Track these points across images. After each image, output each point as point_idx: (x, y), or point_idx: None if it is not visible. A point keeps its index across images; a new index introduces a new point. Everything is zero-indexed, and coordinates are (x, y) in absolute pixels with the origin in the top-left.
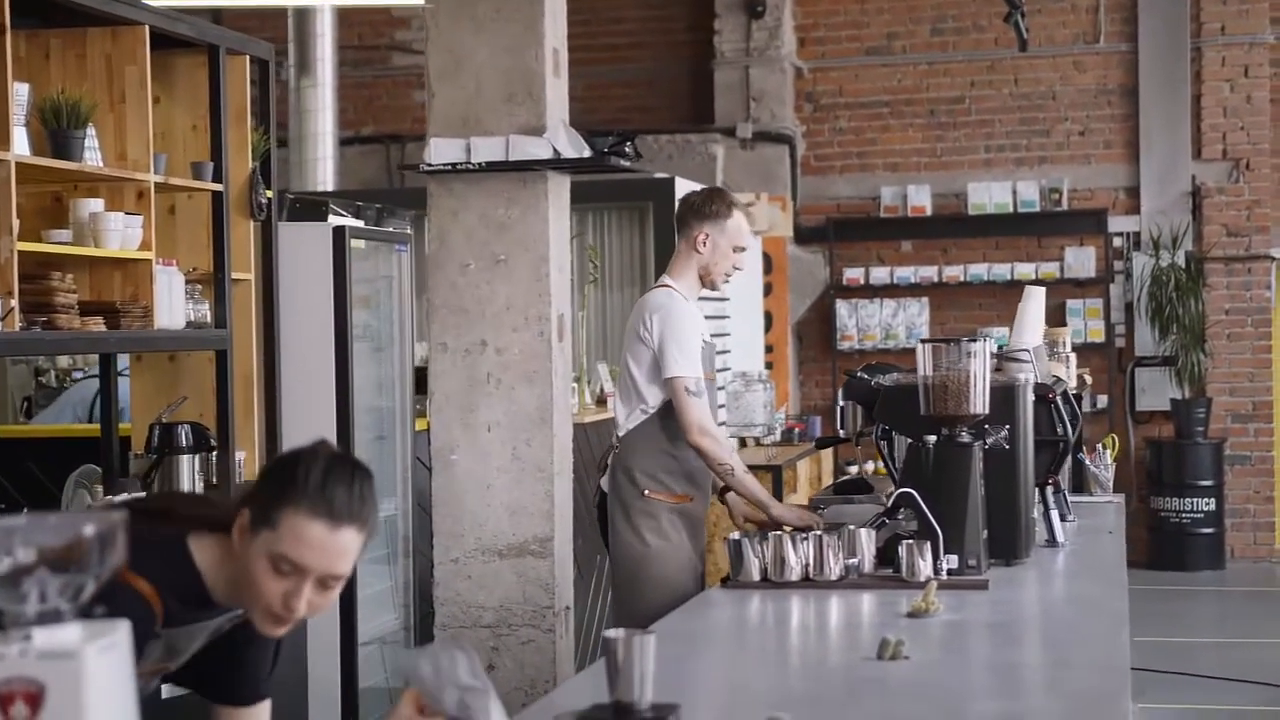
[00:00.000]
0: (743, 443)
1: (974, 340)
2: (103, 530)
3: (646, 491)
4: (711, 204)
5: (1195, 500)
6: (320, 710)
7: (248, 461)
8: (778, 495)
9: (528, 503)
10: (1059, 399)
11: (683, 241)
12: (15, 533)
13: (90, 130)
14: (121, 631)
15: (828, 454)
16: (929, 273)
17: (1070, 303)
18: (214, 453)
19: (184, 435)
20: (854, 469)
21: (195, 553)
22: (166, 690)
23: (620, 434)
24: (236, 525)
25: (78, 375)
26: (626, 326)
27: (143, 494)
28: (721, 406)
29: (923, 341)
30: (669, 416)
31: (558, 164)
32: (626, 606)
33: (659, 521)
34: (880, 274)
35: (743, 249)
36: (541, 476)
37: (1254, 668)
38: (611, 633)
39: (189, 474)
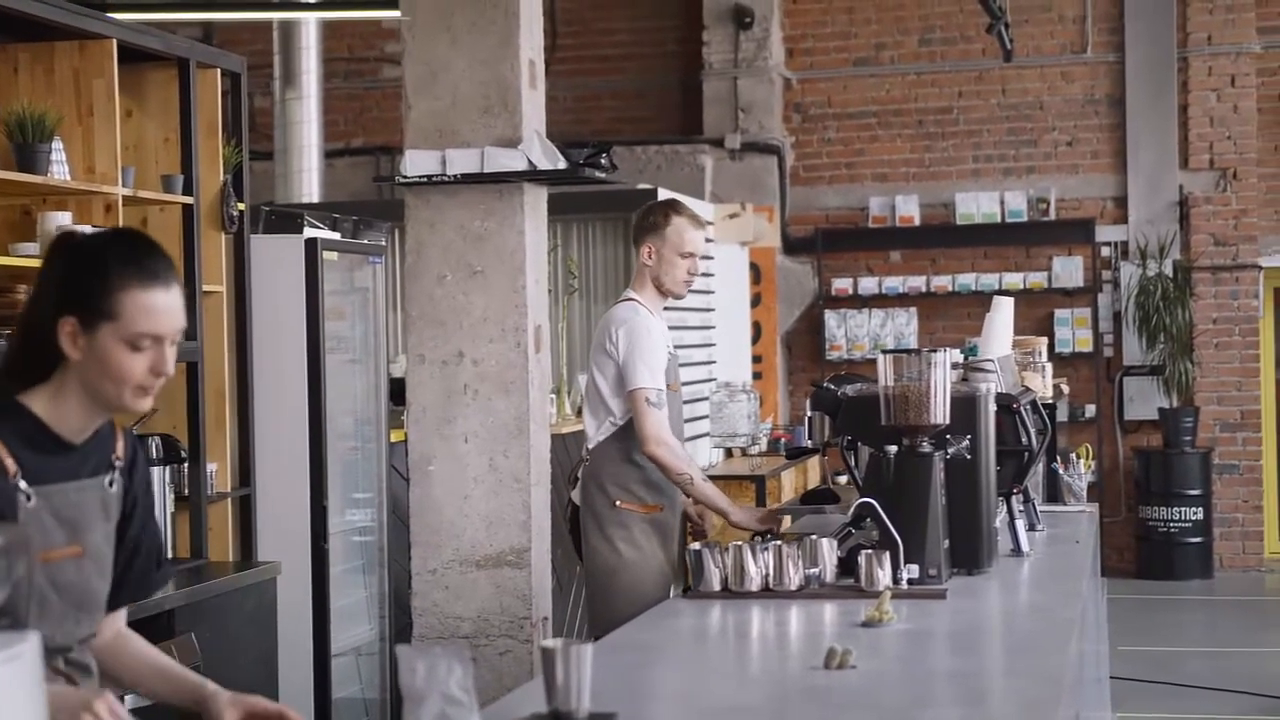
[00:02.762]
0: (728, 453)
1: (934, 351)
2: (7, 543)
3: (618, 502)
4: (649, 216)
5: (1183, 509)
6: None
7: (219, 473)
8: (760, 506)
9: (505, 513)
10: (1025, 409)
11: (636, 257)
12: None
13: (57, 144)
14: (29, 643)
15: (814, 464)
16: (917, 283)
17: (1058, 312)
18: (185, 464)
19: (155, 447)
20: (844, 479)
21: (28, 404)
22: None
23: (590, 446)
24: (65, 336)
25: None
26: (592, 341)
27: None
28: (701, 419)
29: (884, 352)
30: None
31: (533, 175)
32: (600, 617)
33: (631, 532)
34: (869, 284)
35: (690, 254)
36: (519, 487)
37: (1241, 677)
38: (548, 643)
39: (160, 486)
